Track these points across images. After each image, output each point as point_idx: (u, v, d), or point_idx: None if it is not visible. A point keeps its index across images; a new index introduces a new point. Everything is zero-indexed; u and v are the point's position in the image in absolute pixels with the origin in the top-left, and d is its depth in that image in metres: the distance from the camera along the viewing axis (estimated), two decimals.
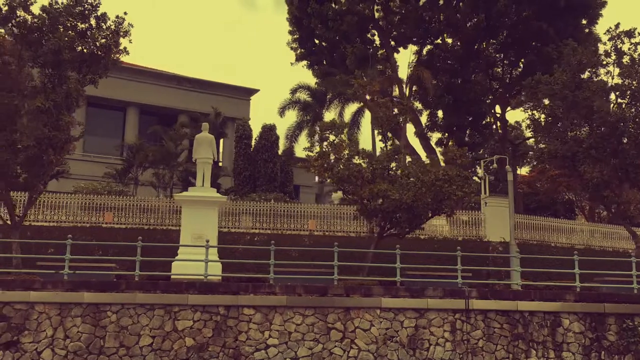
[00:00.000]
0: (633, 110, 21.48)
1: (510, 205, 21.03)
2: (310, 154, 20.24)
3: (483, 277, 22.22)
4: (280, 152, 39.33)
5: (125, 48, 19.15)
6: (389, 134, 20.24)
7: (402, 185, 17.27)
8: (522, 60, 37.93)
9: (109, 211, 27.04)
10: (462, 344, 15.69)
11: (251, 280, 16.52)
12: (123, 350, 14.47)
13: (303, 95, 36.26)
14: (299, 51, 42.60)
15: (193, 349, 14.72)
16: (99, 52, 18.21)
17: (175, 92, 44.17)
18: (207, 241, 16.63)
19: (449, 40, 38.87)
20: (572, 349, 16.13)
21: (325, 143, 20.15)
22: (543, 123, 23.54)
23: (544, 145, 23.90)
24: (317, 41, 41.42)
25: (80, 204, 26.67)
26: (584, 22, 37.34)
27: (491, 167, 37.32)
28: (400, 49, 40.87)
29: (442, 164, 19.50)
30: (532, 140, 34.89)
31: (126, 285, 14.92)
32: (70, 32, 17.85)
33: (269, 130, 38.53)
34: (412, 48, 39.71)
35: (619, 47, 22.57)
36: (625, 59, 22.39)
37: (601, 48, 23.72)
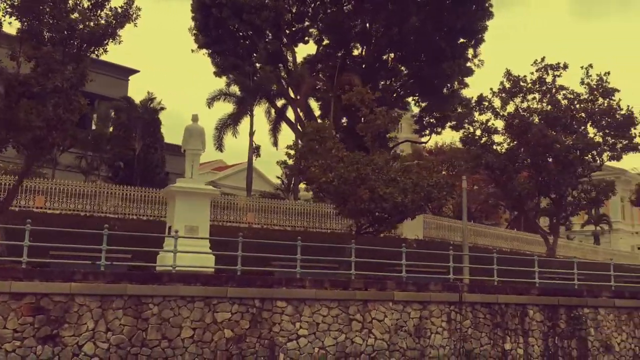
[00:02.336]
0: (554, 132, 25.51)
1: (463, 210, 23.75)
2: (291, 152, 21.15)
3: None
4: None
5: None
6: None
7: (401, 189, 19.00)
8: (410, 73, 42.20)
9: (40, 195, 25.17)
10: (456, 332, 17.93)
11: (253, 273, 17.07)
12: (165, 343, 14.38)
13: (235, 89, 36.15)
14: (201, 39, 42.08)
15: (232, 340, 15.08)
16: (108, 33, 17.37)
17: None
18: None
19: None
20: (535, 335, 19.17)
21: (310, 143, 21.17)
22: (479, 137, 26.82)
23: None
24: (220, 31, 41.24)
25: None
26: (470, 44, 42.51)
27: None
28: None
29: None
30: None
31: (168, 278, 14.82)
32: (79, 7, 16.86)
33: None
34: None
35: (543, 77, 26.56)
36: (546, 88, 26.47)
37: (528, 77, 27.44)
